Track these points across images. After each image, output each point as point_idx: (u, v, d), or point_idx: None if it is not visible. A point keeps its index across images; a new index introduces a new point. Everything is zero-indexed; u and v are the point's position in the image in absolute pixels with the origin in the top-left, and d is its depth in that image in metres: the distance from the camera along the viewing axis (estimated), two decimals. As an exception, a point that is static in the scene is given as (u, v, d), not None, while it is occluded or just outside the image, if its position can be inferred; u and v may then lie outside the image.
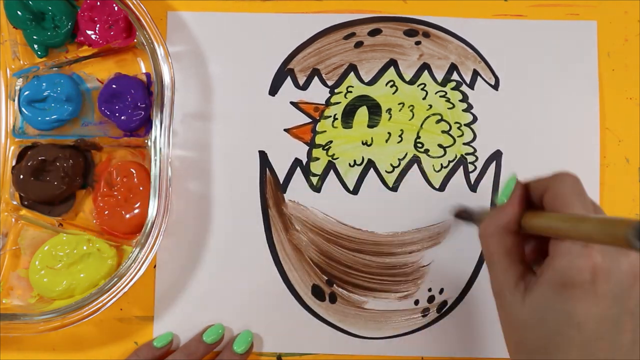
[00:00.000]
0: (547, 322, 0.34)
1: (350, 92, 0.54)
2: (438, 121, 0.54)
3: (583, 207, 0.35)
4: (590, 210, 0.35)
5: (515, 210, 0.37)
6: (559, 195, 0.35)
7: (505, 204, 0.38)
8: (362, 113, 0.54)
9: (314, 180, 0.53)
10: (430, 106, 0.54)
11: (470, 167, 0.54)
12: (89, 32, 0.52)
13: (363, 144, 0.54)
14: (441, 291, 0.53)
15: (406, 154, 0.54)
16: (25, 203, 0.53)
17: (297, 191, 0.53)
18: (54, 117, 0.52)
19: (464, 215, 0.50)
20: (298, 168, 0.53)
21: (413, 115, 0.54)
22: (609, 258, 0.33)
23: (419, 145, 0.54)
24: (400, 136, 0.54)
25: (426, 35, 0.55)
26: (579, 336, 0.33)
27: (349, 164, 0.54)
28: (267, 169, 0.53)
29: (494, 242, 0.37)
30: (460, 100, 0.54)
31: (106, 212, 0.51)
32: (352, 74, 0.54)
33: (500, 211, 0.38)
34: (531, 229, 0.37)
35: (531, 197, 0.38)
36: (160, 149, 0.49)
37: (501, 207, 0.38)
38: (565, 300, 0.33)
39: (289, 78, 0.54)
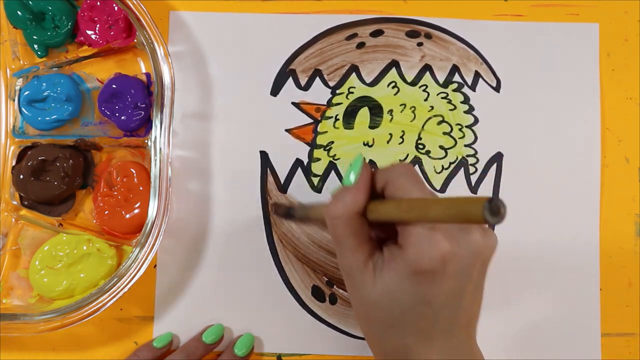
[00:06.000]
0: (399, 301, 0.37)
1: (352, 92, 0.54)
2: (439, 123, 0.54)
3: (421, 194, 0.37)
4: (428, 195, 0.38)
5: (363, 195, 0.38)
6: (398, 185, 0.37)
7: (353, 187, 0.38)
8: (364, 114, 0.54)
9: (315, 180, 0.53)
10: (432, 107, 0.54)
11: (471, 169, 0.54)
12: (89, 32, 0.52)
13: (364, 144, 0.54)
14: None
15: (407, 155, 0.54)
16: (25, 203, 0.53)
17: (298, 192, 0.53)
18: (54, 117, 0.51)
19: (279, 211, 0.50)
20: (299, 168, 0.53)
21: (414, 116, 0.54)
22: (454, 241, 0.36)
23: (420, 146, 0.54)
24: (401, 137, 0.54)
25: (428, 36, 0.55)
26: (429, 310, 0.37)
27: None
28: (268, 169, 0.53)
29: (343, 224, 0.38)
30: (461, 102, 0.54)
31: (106, 212, 0.51)
32: (353, 74, 0.54)
33: (349, 194, 0.38)
34: (378, 217, 0.38)
35: (374, 187, 0.39)
36: (160, 149, 0.49)
37: (349, 189, 0.38)
38: (417, 284, 0.36)
39: (290, 78, 0.54)
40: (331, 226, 0.39)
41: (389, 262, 0.37)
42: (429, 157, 0.54)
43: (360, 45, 0.54)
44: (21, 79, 0.53)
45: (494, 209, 0.29)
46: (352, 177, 0.39)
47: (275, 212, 0.52)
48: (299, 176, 0.53)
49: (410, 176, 0.38)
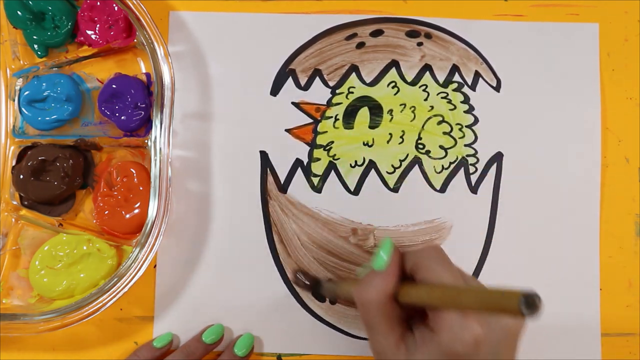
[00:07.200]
0: None
1: (352, 92, 0.54)
2: (439, 122, 0.54)
3: (452, 277, 0.37)
4: (458, 278, 0.38)
5: (394, 279, 0.39)
6: (429, 268, 0.38)
7: (384, 272, 0.39)
8: (364, 114, 0.54)
9: (315, 180, 0.53)
10: (432, 107, 0.54)
11: (471, 169, 0.54)
12: (89, 32, 0.52)
13: (364, 144, 0.54)
14: (442, 292, 0.53)
15: (407, 155, 0.54)
16: (25, 203, 0.53)
17: (298, 191, 0.53)
18: (54, 117, 0.51)
19: (302, 283, 0.52)
20: (299, 168, 0.53)
21: (414, 116, 0.54)
22: (486, 325, 0.36)
23: (420, 146, 0.54)
24: (401, 137, 0.54)
25: (428, 36, 0.55)
26: None
27: (350, 165, 0.54)
28: (268, 169, 0.53)
29: (375, 308, 0.38)
30: (461, 102, 0.54)
31: (106, 212, 0.51)
32: (353, 74, 0.54)
33: (379, 278, 0.39)
34: (410, 300, 0.38)
35: (404, 267, 0.40)
36: (160, 149, 0.49)
37: (379, 274, 0.39)
38: None
39: (290, 78, 0.54)
40: (362, 310, 0.39)
41: (420, 344, 0.37)
42: (429, 157, 0.54)
43: (360, 45, 0.54)
44: (21, 79, 0.53)
45: (530, 303, 0.29)
46: (384, 257, 0.40)
47: (297, 283, 0.53)
48: (299, 176, 0.53)
49: (440, 259, 0.39)
